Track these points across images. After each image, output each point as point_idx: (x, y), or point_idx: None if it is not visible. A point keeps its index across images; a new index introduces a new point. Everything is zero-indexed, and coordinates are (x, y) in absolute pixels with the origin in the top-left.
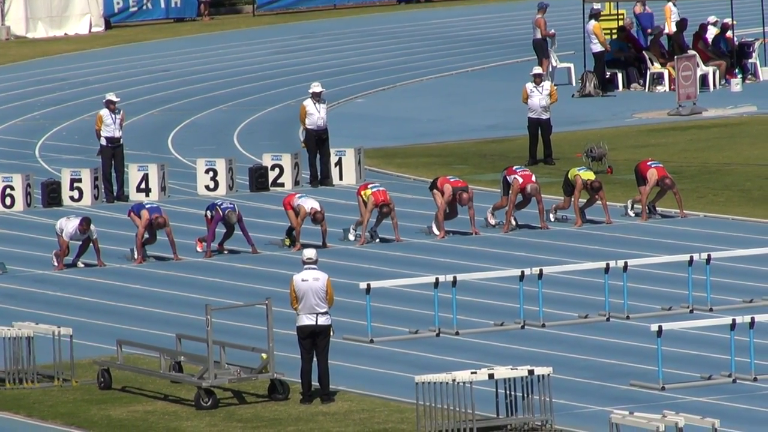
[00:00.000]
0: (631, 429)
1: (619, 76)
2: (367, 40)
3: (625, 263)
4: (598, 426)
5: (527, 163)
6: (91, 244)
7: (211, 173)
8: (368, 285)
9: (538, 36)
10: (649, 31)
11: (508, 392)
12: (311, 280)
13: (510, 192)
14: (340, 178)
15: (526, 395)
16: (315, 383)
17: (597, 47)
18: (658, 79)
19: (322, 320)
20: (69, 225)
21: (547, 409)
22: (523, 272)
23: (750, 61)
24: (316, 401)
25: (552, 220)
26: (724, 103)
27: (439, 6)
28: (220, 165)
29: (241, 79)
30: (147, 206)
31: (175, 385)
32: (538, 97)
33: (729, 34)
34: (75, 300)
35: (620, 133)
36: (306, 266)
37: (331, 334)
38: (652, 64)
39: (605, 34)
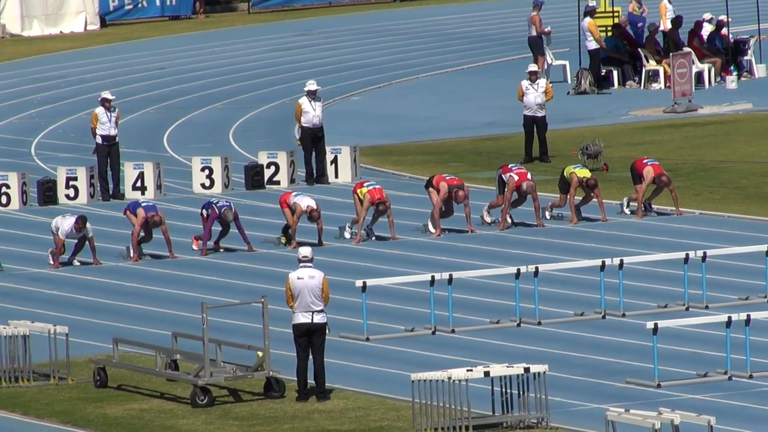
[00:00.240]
0: (626, 426)
1: (615, 73)
2: (362, 38)
3: (621, 261)
4: (593, 423)
5: (523, 160)
6: (86, 243)
7: (206, 171)
8: (364, 283)
9: (534, 33)
10: (639, 25)
11: (503, 390)
12: (307, 278)
13: (505, 190)
14: (336, 176)
15: (521, 393)
16: (311, 381)
17: (592, 44)
18: (653, 76)
19: (318, 318)
20: (65, 223)
21: (542, 407)
22: (519, 270)
23: (745, 58)
24: (311, 399)
25: (548, 217)
26: (719, 100)
27: (434, 3)
28: (216, 163)
29: (237, 77)
30: (143, 204)
31: (171, 383)
32: (534, 94)
33: (724, 31)
34: (71, 298)
35: (616, 131)
36: (302, 264)
37: (327, 332)
38: (648, 62)
39: (600, 31)
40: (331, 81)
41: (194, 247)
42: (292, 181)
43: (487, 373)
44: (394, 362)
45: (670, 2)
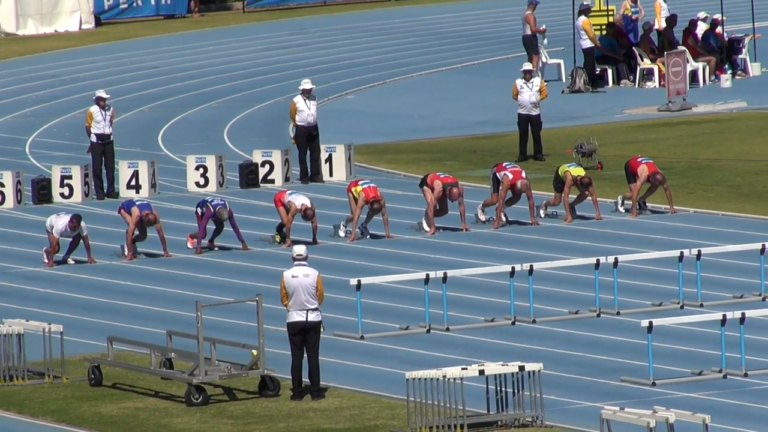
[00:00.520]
0: (621, 425)
1: (609, 72)
2: (356, 37)
3: (616, 259)
4: (588, 422)
5: (517, 159)
6: (81, 241)
7: (201, 170)
8: (359, 281)
9: (528, 32)
10: (634, 18)
11: (498, 388)
12: (301, 276)
13: (500, 188)
14: (330, 175)
15: (516, 391)
16: (305, 380)
17: (586, 43)
18: (647, 75)
19: (313, 316)
20: (59, 222)
21: (537, 405)
22: (513, 268)
23: (740, 56)
24: (306, 398)
25: (542, 216)
26: (713, 98)
27: (428, 2)
28: (210, 161)
29: (231, 76)
30: (137, 203)
31: (166, 381)
32: (528, 93)
33: (719, 29)
34: (65, 297)
35: (610, 129)
36: (296, 262)
37: (322, 330)
38: (642, 60)
39: (595, 30)
40: (325, 80)
41: (189, 246)
42: (286, 179)
43: (481, 372)
44: (388, 360)
45: (664, 1)
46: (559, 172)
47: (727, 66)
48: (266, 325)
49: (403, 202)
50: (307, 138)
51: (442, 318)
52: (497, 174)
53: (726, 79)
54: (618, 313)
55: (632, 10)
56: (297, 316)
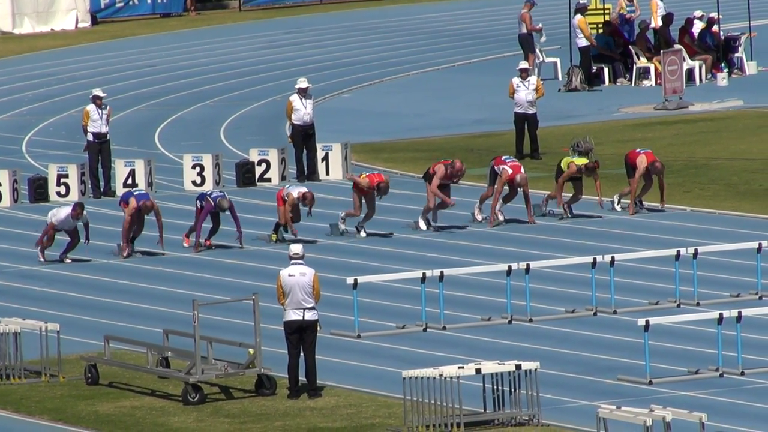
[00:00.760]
0: (618, 423)
1: (606, 70)
2: (353, 35)
3: (612, 258)
4: (585, 420)
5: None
6: (78, 241)
7: (197, 168)
8: (355, 280)
9: (524, 31)
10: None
11: (495, 387)
12: (298, 275)
13: (497, 182)
14: (327, 173)
15: (513, 390)
16: (302, 378)
17: (582, 42)
18: (644, 73)
19: (309, 315)
20: (61, 212)
21: (534, 404)
22: (510, 267)
23: (736, 55)
24: (303, 396)
25: (545, 211)
26: (710, 97)
27: (425, 1)
28: (207, 160)
29: (228, 75)
30: (135, 194)
31: (163, 380)
32: (525, 91)
33: (715, 28)
34: (62, 295)
35: (607, 128)
36: (293, 261)
37: (319, 329)
38: (639, 59)
39: (591, 28)
40: (321, 78)
41: (185, 244)
42: (283, 178)
43: (478, 370)
44: (385, 359)
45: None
46: (562, 165)
47: (723, 65)
48: (263, 324)
49: (400, 200)
50: (304, 137)
51: (439, 317)
52: (495, 168)
53: (722, 78)
54: (615, 312)
55: (628, 8)
56: (294, 315)
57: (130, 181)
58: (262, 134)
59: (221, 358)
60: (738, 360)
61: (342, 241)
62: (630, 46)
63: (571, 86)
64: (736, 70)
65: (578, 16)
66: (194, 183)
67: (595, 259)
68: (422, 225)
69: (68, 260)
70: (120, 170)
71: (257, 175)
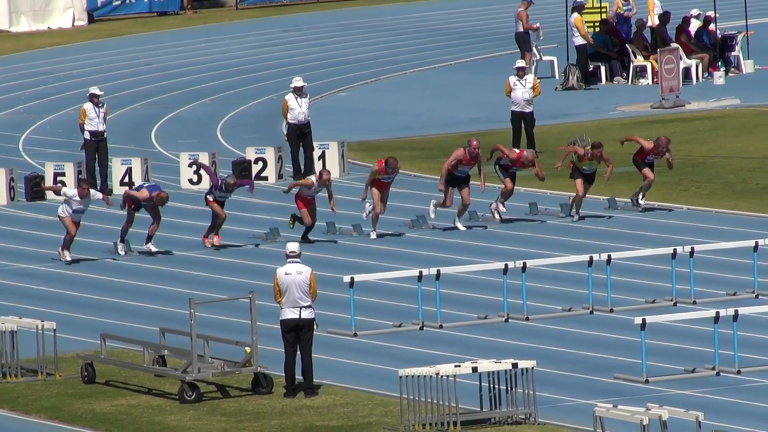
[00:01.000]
0: (614, 422)
1: (602, 69)
2: (349, 34)
3: (609, 256)
4: (581, 419)
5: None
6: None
7: (194, 167)
8: (352, 278)
9: (521, 29)
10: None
11: (491, 385)
12: (294, 273)
13: (505, 167)
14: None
15: (509, 388)
16: (299, 377)
17: (579, 40)
18: (641, 72)
19: (306, 314)
20: (69, 193)
21: (530, 403)
22: (506, 265)
23: (733, 53)
24: (299, 395)
25: (573, 215)
26: (707, 95)
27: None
28: (204, 158)
29: (225, 73)
30: (146, 185)
31: (159, 378)
32: (522, 90)
33: (712, 27)
34: (59, 294)
35: (603, 126)
36: (289, 260)
37: (315, 327)
38: (635, 57)
39: (588, 27)
40: (318, 77)
41: (207, 245)
42: (279, 176)
43: (475, 369)
44: (381, 358)
45: None
46: (573, 159)
47: (720, 63)
48: (259, 323)
49: (396, 199)
50: (299, 135)
51: (436, 315)
52: (500, 161)
53: (719, 77)
54: (611, 311)
55: (624, 7)
56: (290, 314)
57: (126, 180)
58: (258, 132)
59: (218, 356)
60: (734, 358)
61: (338, 239)
62: (627, 45)
63: (568, 85)
64: (732, 69)
65: (575, 15)
66: (191, 181)
67: (591, 257)
68: (431, 213)
69: (68, 258)
70: (117, 168)
71: (254, 174)
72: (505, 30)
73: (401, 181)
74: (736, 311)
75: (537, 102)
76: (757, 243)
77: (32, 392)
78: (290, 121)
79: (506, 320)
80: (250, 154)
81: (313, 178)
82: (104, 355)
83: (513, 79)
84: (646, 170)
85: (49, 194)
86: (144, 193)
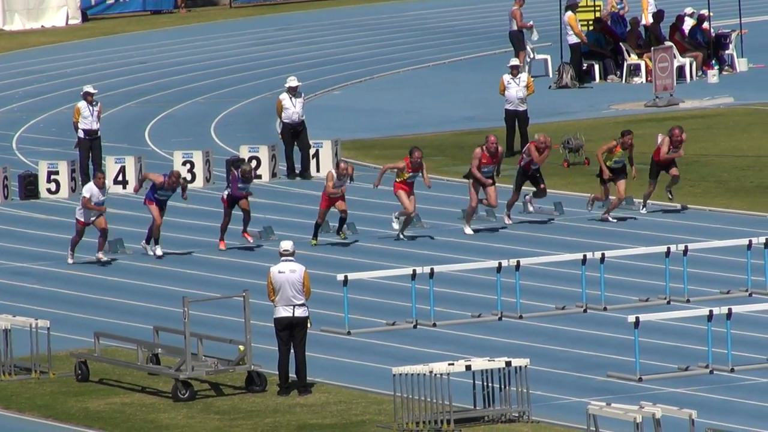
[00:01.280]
0: (608, 420)
1: (596, 67)
2: (344, 32)
3: (603, 255)
4: (575, 417)
5: (504, 155)
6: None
7: (188, 165)
8: (345, 277)
9: (515, 28)
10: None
11: (485, 384)
12: (288, 271)
13: (525, 153)
14: (317, 170)
15: (503, 387)
16: (292, 375)
17: (573, 39)
18: (634, 70)
19: (299, 312)
20: (91, 191)
21: (524, 401)
22: (500, 264)
23: (727, 52)
24: (293, 393)
25: (591, 211)
26: (700, 94)
27: None
28: (197, 157)
29: (219, 71)
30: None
31: (153, 377)
32: (515, 88)
33: (706, 25)
34: (52, 292)
35: (597, 125)
36: (283, 258)
37: (309, 325)
38: (629, 56)
39: (582, 25)
40: (312, 75)
41: (221, 247)
42: (273, 175)
43: (468, 367)
44: (375, 356)
45: None
46: (600, 157)
47: (714, 62)
48: (253, 321)
49: (390, 198)
50: (293, 134)
51: (429, 314)
52: (521, 164)
53: (713, 75)
54: (605, 309)
55: (618, 6)
56: (284, 312)
57: (120, 178)
58: (252, 131)
59: (211, 354)
60: (728, 357)
61: (332, 238)
62: (621, 43)
63: (562, 83)
64: (726, 67)
65: (569, 13)
66: (185, 179)
67: (585, 255)
68: (468, 230)
69: (102, 257)
70: (110, 167)
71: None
72: (499, 28)
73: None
74: (730, 309)
75: (531, 100)
76: (750, 241)
77: (26, 390)
78: (284, 121)
79: (500, 318)
80: (244, 152)
81: (333, 172)
82: (98, 354)
83: (507, 77)
84: (673, 170)
85: (43, 193)
86: (159, 177)
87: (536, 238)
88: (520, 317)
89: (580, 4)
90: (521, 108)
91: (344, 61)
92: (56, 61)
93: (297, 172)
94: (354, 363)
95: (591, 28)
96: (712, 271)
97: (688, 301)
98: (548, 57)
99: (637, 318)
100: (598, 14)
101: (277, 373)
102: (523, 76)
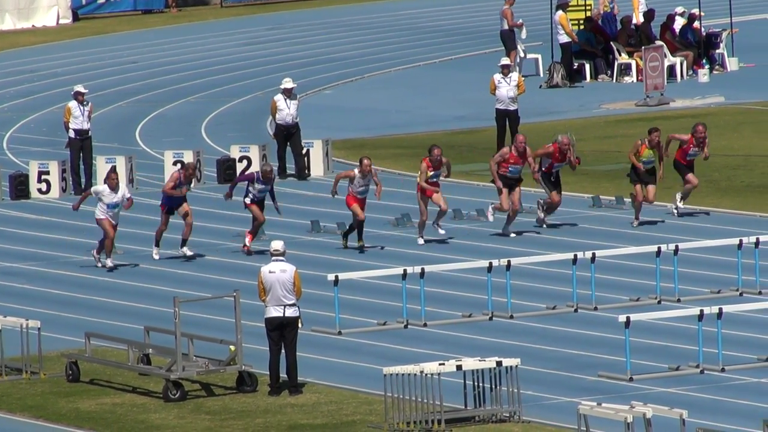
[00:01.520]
0: (599, 420)
1: (587, 66)
2: (335, 32)
3: (593, 254)
4: (566, 417)
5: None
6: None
7: (178, 165)
8: (336, 277)
9: (506, 27)
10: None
11: (476, 383)
12: (278, 271)
13: (539, 151)
14: (308, 170)
15: (494, 386)
16: (283, 375)
17: (564, 38)
18: (625, 69)
19: (290, 312)
20: (99, 189)
21: (515, 401)
22: (491, 263)
23: (717, 51)
24: (284, 393)
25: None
26: (691, 93)
27: None
28: (188, 157)
29: (209, 71)
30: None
31: (144, 377)
32: (506, 88)
33: (696, 24)
34: (43, 293)
35: (588, 124)
36: (273, 258)
37: (300, 325)
38: (620, 55)
39: (572, 24)
40: (303, 74)
41: (247, 242)
42: None
43: (459, 367)
44: (366, 356)
45: None
46: (632, 159)
47: (704, 61)
48: (244, 321)
49: (383, 197)
50: (286, 136)
51: (420, 313)
52: (543, 169)
53: (703, 74)
54: (595, 309)
55: (610, 6)
56: (274, 312)
57: None
58: (243, 131)
59: (202, 355)
60: (718, 356)
61: (323, 237)
62: (611, 42)
63: (553, 82)
64: (717, 67)
65: (559, 12)
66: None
67: (575, 255)
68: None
69: (110, 263)
70: (101, 167)
71: (238, 172)
72: (489, 28)
73: (385, 179)
74: (720, 309)
75: (521, 100)
76: (741, 241)
77: (17, 391)
78: (278, 122)
79: (490, 318)
80: (235, 152)
81: (355, 170)
82: (89, 354)
83: (498, 76)
84: (690, 176)
85: (34, 193)
86: (175, 175)
87: (527, 238)
88: (511, 317)
89: (570, 4)
90: (512, 107)
91: (335, 60)
92: (47, 61)
93: (288, 172)
94: (345, 363)
95: (582, 27)
96: (702, 270)
97: (678, 300)
98: (539, 56)
99: (628, 318)
100: (588, 13)
101: (268, 373)
102: (514, 76)
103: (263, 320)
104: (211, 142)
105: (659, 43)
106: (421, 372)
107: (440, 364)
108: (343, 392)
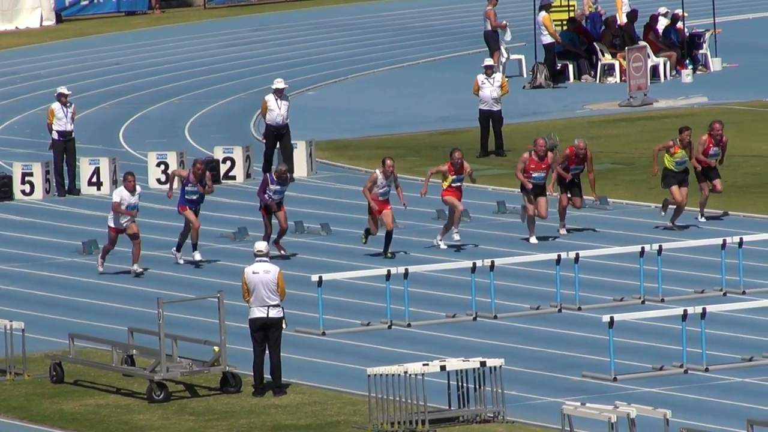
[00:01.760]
0: (582, 420)
1: (570, 67)
2: (318, 32)
3: (577, 254)
4: (550, 417)
5: (478, 155)
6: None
7: (162, 166)
8: (320, 277)
9: (489, 28)
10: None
11: (460, 384)
12: (262, 272)
13: (558, 157)
14: (292, 170)
15: (478, 387)
16: (267, 376)
17: (547, 39)
18: (609, 70)
19: (274, 313)
20: (121, 197)
21: (499, 401)
22: (474, 264)
23: (701, 52)
24: (268, 394)
25: (663, 214)
26: (674, 94)
27: None
28: (172, 158)
29: (193, 72)
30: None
31: (128, 378)
32: (490, 88)
33: (680, 25)
34: (26, 294)
35: (571, 125)
36: (257, 259)
37: (284, 326)
38: (603, 56)
39: (556, 25)
40: (287, 75)
41: (283, 252)
42: (248, 176)
43: (443, 367)
44: (350, 357)
45: None
46: (665, 162)
47: (688, 61)
48: (228, 322)
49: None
50: (275, 137)
51: (404, 314)
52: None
53: (687, 75)
54: (579, 309)
55: (594, 6)
56: (258, 312)
57: (94, 179)
58: (226, 132)
59: (186, 355)
60: (702, 356)
61: (306, 238)
62: (595, 43)
63: (536, 83)
64: (700, 67)
65: (543, 13)
66: (159, 181)
67: (559, 255)
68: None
69: (138, 269)
70: (85, 168)
71: (222, 173)
72: (473, 28)
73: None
74: (704, 309)
75: (505, 100)
76: (725, 241)
77: (0, 392)
78: (268, 122)
79: (474, 319)
80: (218, 153)
81: (377, 171)
82: (73, 355)
83: (481, 77)
84: (704, 184)
85: (17, 195)
86: (184, 171)
87: (511, 238)
88: (495, 317)
89: (553, 4)
90: (495, 108)
91: (319, 61)
92: (30, 63)
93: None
94: (329, 363)
95: (565, 27)
96: (686, 270)
97: (662, 300)
98: (522, 57)
99: (612, 318)
100: (572, 14)
101: (252, 373)
102: (498, 76)
103: (247, 321)
104: (194, 144)
105: (642, 43)
106: (405, 372)
107: (424, 365)
108: (327, 393)
